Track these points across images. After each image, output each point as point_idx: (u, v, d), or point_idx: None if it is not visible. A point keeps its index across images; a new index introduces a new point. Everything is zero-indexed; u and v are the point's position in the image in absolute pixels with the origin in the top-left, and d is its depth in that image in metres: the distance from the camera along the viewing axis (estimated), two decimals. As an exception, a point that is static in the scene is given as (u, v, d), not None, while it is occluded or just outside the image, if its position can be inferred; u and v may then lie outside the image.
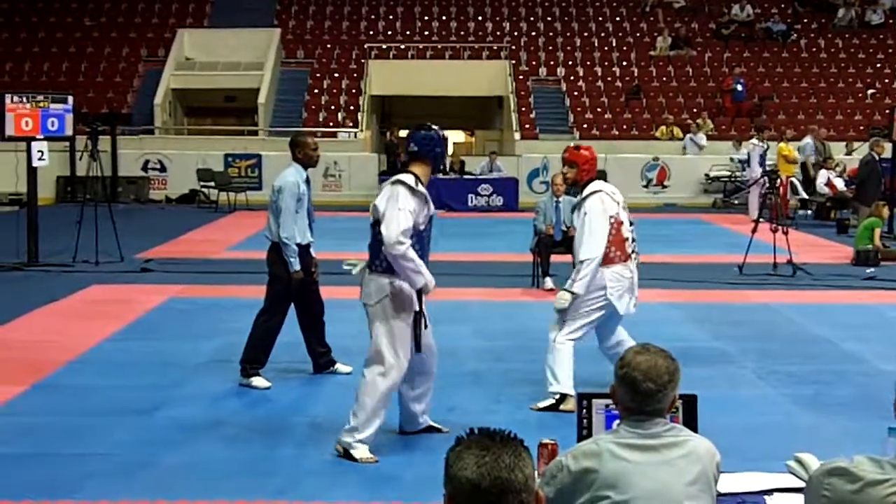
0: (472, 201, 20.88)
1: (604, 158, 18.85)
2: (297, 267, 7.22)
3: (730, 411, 6.47)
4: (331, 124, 24.59)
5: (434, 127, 5.89)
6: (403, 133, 24.15)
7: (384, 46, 26.59)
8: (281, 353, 7.42)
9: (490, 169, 21.78)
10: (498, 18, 27.95)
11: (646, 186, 22.37)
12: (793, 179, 19.47)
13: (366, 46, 26.34)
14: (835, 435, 6.17)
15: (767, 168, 17.27)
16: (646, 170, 22.67)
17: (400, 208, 5.50)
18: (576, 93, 25.51)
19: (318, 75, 26.03)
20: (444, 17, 28.04)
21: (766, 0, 28.31)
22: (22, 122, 12.50)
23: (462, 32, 27.43)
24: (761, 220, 13.59)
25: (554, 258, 11.28)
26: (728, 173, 22.36)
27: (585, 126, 24.30)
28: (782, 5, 28.36)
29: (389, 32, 27.46)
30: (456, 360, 7.74)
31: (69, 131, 13.38)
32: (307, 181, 7.35)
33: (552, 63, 26.54)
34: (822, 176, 19.20)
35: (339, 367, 7.55)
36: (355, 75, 25.86)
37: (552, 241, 11.29)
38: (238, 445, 5.96)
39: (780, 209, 14.01)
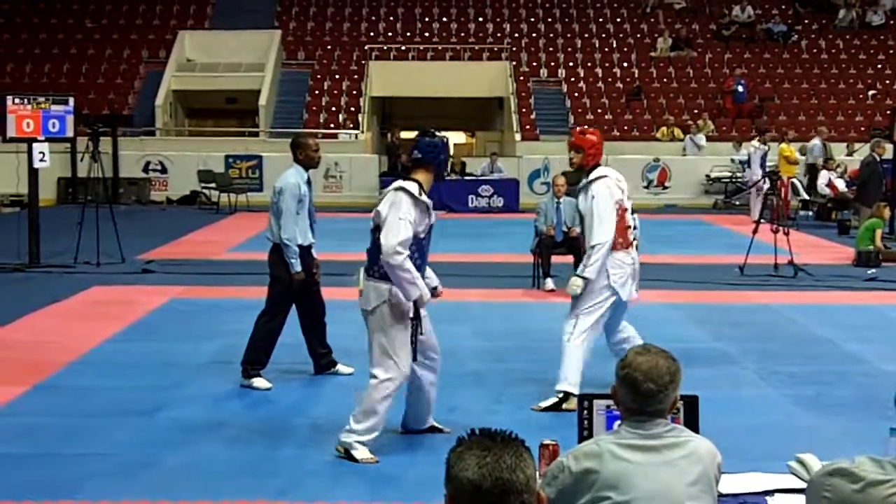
0: (472, 202, 20.89)
1: (605, 159, 18.80)
2: (299, 268, 7.22)
3: (731, 412, 6.47)
4: (331, 125, 24.60)
5: (438, 134, 5.90)
6: (405, 134, 24.18)
7: (385, 48, 26.61)
8: (282, 354, 7.42)
9: (491, 170, 21.78)
10: (498, 19, 27.95)
11: (647, 187, 22.37)
12: (794, 180, 19.48)
13: (366, 48, 26.35)
14: (836, 435, 6.17)
15: (768, 169, 17.26)
16: (646, 171, 22.67)
17: (401, 218, 5.50)
18: (576, 94, 25.51)
19: (318, 77, 26.04)
20: (444, 19, 28.05)
21: (766, 1, 28.31)
22: (23, 123, 12.51)
23: (463, 34, 27.43)
24: (762, 220, 13.58)
25: (555, 259, 11.28)
26: (729, 174, 22.37)
27: (586, 127, 24.26)
28: (783, 6, 28.36)
29: (390, 34, 27.46)
30: (457, 360, 7.73)
31: (70, 133, 13.38)
32: (308, 182, 7.35)
33: (553, 64, 26.55)
34: (823, 177, 19.21)
35: (340, 367, 7.55)
36: (356, 77, 25.87)
37: (553, 241, 11.29)
38: (239, 446, 5.96)
39: (780, 210, 14.01)
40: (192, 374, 7.57)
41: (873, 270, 12.75)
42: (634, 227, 6.81)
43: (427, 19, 28.02)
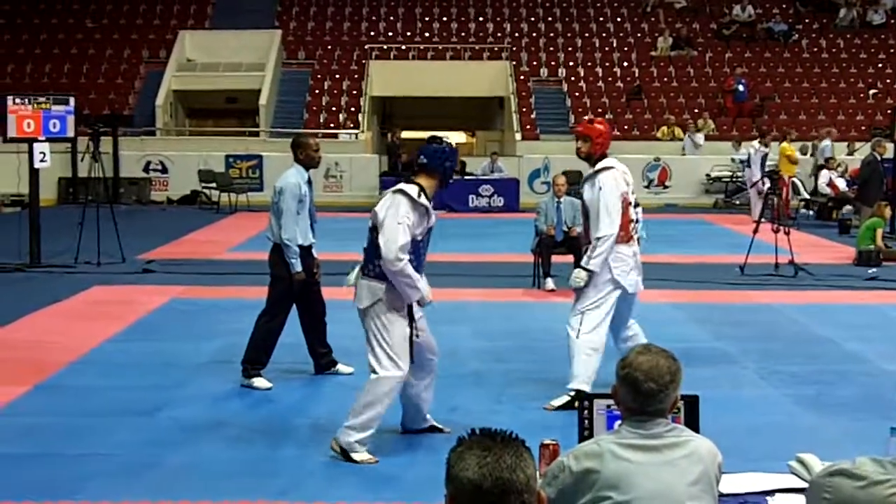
0: (472, 202, 20.89)
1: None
2: (299, 268, 7.22)
3: (732, 412, 6.46)
4: (332, 125, 24.60)
5: (446, 141, 5.91)
6: (406, 134, 24.19)
7: (385, 47, 26.61)
8: (282, 354, 7.42)
9: (491, 169, 21.78)
10: (499, 19, 27.94)
11: (647, 187, 22.35)
12: (794, 179, 19.48)
13: (367, 47, 26.35)
14: (837, 435, 6.17)
15: (768, 169, 17.26)
16: (647, 170, 22.66)
17: (399, 221, 5.50)
18: (577, 93, 25.50)
19: (319, 76, 26.04)
20: (444, 18, 28.04)
21: (767, 0, 28.30)
22: (24, 123, 12.51)
23: (463, 33, 27.43)
24: (763, 220, 13.58)
25: (555, 259, 11.28)
26: (729, 174, 22.37)
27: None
28: (783, 5, 28.35)
29: (390, 33, 27.46)
30: (457, 360, 7.74)
31: (71, 133, 13.37)
32: (309, 182, 7.35)
33: (553, 63, 26.54)
34: (824, 176, 19.21)
35: (341, 367, 7.55)
36: (356, 76, 25.87)
37: (553, 241, 11.29)
38: (240, 446, 5.96)
39: (781, 210, 14.00)
40: (193, 374, 7.57)
41: (874, 270, 12.75)
42: (637, 221, 6.77)
43: (427, 19, 28.01)
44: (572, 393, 6.50)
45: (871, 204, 15.05)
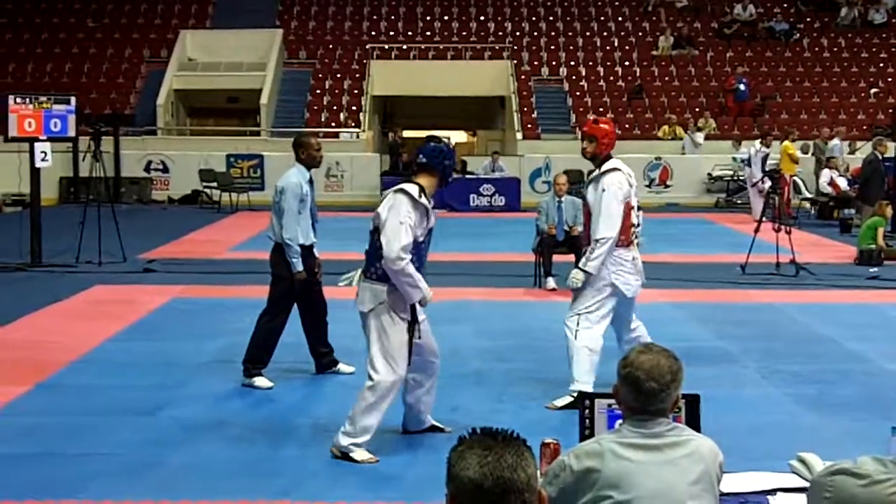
0: (474, 201, 20.89)
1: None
2: (300, 268, 7.22)
3: (733, 411, 6.46)
4: (333, 125, 24.61)
5: (445, 140, 5.90)
6: (408, 133, 24.20)
7: (386, 47, 26.61)
8: (284, 354, 7.42)
9: (492, 169, 21.79)
10: (500, 18, 27.94)
11: (648, 186, 22.35)
12: (796, 178, 19.46)
13: (368, 47, 26.35)
14: (838, 434, 6.16)
15: (769, 168, 17.25)
16: (648, 169, 22.66)
17: (401, 222, 5.50)
18: (578, 92, 25.50)
19: (320, 76, 26.05)
20: (445, 18, 28.04)
21: (768, -1, 28.33)
22: (25, 122, 12.52)
23: (464, 33, 27.43)
24: (764, 219, 13.57)
25: (556, 258, 11.28)
26: (731, 173, 22.36)
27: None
28: (785, 5, 28.35)
29: (391, 33, 27.46)
30: (458, 359, 7.74)
31: (72, 132, 13.38)
32: (310, 182, 7.35)
33: (554, 63, 26.54)
34: (825, 175, 19.20)
35: (342, 367, 7.55)
36: (357, 76, 25.88)
37: (554, 240, 11.28)
38: (241, 446, 5.96)
39: (782, 209, 14.00)
40: (194, 374, 7.57)
41: (875, 269, 12.74)
42: (638, 226, 6.77)
43: (428, 18, 28.02)
44: (575, 394, 6.50)
45: (873, 203, 15.04)
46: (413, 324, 5.66)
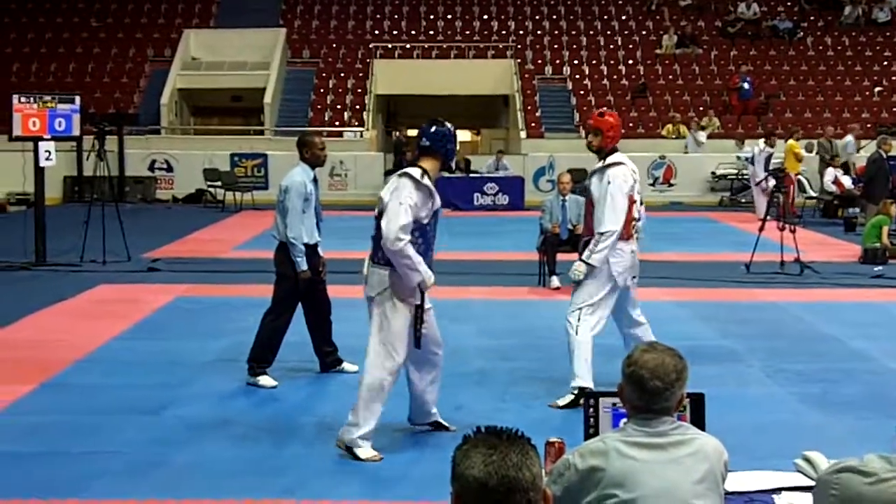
0: (477, 200, 20.88)
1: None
2: (305, 267, 7.22)
3: (737, 410, 6.46)
4: (336, 124, 24.61)
5: (446, 123, 5.86)
6: (411, 132, 24.17)
7: (389, 46, 26.61)
8: (288, 353, 7.42)
9: (496, 167, 21.78)
10: (503, 17, 27.94)
11: (652, 185, 22.33)
12: (800, 177, 19.44)
13: (371, 46, 26.36)
14: (843, 433, 6.16)
15: (773, 167, 17.23)
16: (652, 168, 22.64)
17: (402, 202, 5.48)
18: (581, 91, 25.49)
19: (323, 75, 26.06)
20: (449, 17, 28.04)
21: (772, -2, 28.29)
22: (29, 122, 12.53)
23: (467, 31, 27.43)
24: (769, 218, 13.56)
25: (560, 257, 11.27)
26: (735, 171, 22.34)
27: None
28: (789, 3, 28.32)
29: (395, 32, 27.46)
30: (462, 358, 7.74)
31: (76, 131, 13.39)
32: (315, 181, 7.35)
33: (558, 62, 26.52)
34: (829, 174, 19.17)
35: (346, 366, 7.56)
36: (361, 75, 25.88)
37: (558, 239, 11.28)
38: (245, 444, 5.97)
39: (787, 207, 13.98)
40: (199, 373, 7.58)
41: (880, 267, 12.73)
42: (638, 220, 6.76)
43: (432, 17, 28.01)
44: (576, 391, 6.50)
45: (877, 202, 15.02)
46: (420, 307, 5.63)
